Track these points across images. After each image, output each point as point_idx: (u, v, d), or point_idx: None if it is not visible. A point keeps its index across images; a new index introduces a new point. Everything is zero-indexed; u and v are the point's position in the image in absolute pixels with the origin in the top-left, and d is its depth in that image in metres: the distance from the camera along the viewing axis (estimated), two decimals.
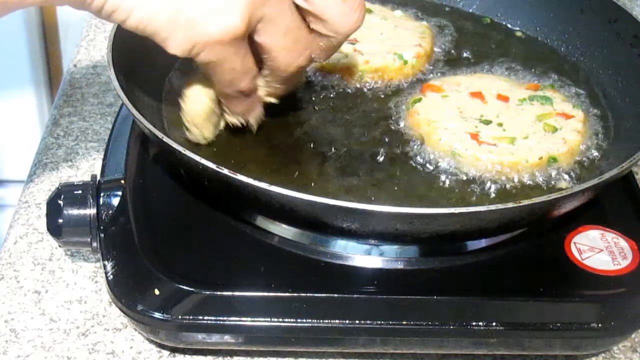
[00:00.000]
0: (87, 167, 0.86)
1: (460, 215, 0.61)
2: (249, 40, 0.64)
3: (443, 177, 0.71)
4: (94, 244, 0.69)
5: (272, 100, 0.70)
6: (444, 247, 0.69)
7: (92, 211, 0.68)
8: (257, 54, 0.66)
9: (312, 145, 0.74)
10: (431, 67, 0.85)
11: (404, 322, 0.64)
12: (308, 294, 0.64)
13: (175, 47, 0.62)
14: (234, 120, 0.71)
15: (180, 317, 0.64)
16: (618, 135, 0.77)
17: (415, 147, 0.74)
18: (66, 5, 0.61)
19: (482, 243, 0.69)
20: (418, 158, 0.73)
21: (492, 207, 0.61)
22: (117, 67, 0.71)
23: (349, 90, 0.81)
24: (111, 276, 0.66)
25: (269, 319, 0.64)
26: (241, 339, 0.65)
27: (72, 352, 0.68)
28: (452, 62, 0.86)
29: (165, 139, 0.65)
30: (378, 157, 0.73)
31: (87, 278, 0.74)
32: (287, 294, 0.64)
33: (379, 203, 0.62)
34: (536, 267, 0.68)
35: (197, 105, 0.71)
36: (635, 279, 0.67)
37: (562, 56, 0.88)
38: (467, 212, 0.61)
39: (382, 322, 0.64)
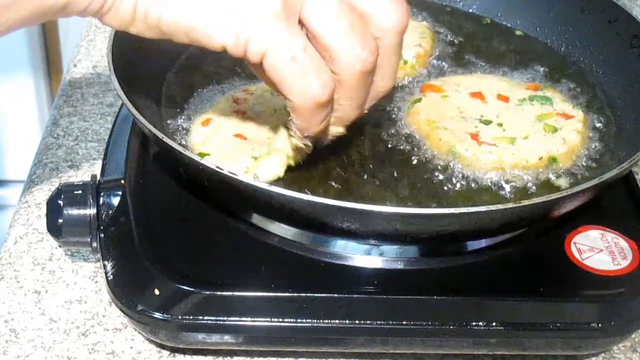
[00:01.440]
0: (87, 167, 0.86)
1: (460, 215, 0.61)
2: None
3: (443, 178, 0.71)
4: (94, 244, 0.69)
5: (340, 129, 0.64)
6: (444, 247, 0.69)
7: (92, 211, 0.68)
8: None
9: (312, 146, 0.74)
10: (431, 67, 0.85)
11: (404, 322, 0.64)
12: (308, 294, 0.64)
13: (220, 38, 0.57)
14: (299, 143, 0.65)
15: (180, 317, 0.64)
16: (618, 136, 0.77)
17: (415, 147, 0.74)
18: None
19: (482, 243, 0.69)
20: (418, 158, 0.73)
21: (492, 207, 0.61)
22: (117, 67, 0.71)
23: None
24: (111, 276, 0.66)
25: (269, 319, 0.64)
26: (241, 339, 0.65)
27: (72, 352, 0.68)
28: (452, 62, 0.86)
29: (165, 139, 0.65)
30: (378, 158, 0.73)
31: (87, 278, 0.74)
32: (287, 294, 0.64)
33: (379, 203, 0.62)
34: (536, 267, 0.68)
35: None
36: (635, 279, 0.67)
37: (562, 56, 0.88)
38: (467, 212, 0.61)
39: (382, 322, 0.64)
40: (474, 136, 0.74)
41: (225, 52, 0.59)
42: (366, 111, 0.65)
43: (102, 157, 0.77)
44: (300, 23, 0.58)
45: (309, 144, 0.64)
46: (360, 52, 0.58)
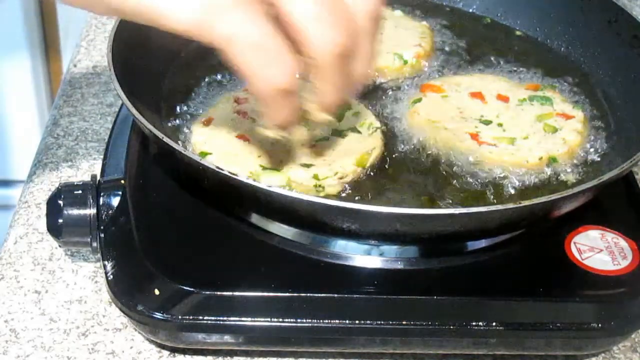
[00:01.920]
0: (87, 167, 0.86)
1: (460, 216, 0.61)
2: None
3: (443, 178, 0.71)
4: (94, 244, 0.69)
5: (327, 117, 0.62)
6: (444, 247, 0.69)
7: (92, 211, 0.68)
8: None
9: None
10: (431, 67, 0.85)
11: (404, 322, 0.64)
12: (308, 294, 0.64)
13: (181, 22, 0.56)
14: (270, 133, 0.64)
15: (180, 317, 0.64)
16: (618, 136, 0.77)
17: (415, 146, 0.74)
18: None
19: (482, 243, 0.69)
20: (418, 158, 0.73)
21: (492, 208, 0.61)
22: (117, 67, 0.71)
23: None
24: (111, 276, 0.66)
25: (269, 319, 0.64)
26: (241, 339, 0.65)
27: (72, 352, 0.68)
28: (452, 62, 0.86)
29: (166, 139, 0.65)
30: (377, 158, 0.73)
31: (87, 278, 0.74)
32: (287, 294, 0.64)
33: (379, 204, 0.62)
34: (536, 267, 0.68)
35: None
36: (635, 279, 0.67)
37: (562, 56, 0.88)
38: (467, 213, 0.61)
39: (382, 322, 0.64)
40: (474, 136, 0.74)
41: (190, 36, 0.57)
42: (350, 99, 0.64)
43: (102, 157, 0.77)
44: (273, 6, 0.57)
45: (286, 135, 0.63)
46: (334, 34, 0.57)
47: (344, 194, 0.69)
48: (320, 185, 0.68)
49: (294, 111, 0.60)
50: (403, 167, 0.72)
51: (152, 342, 0.69)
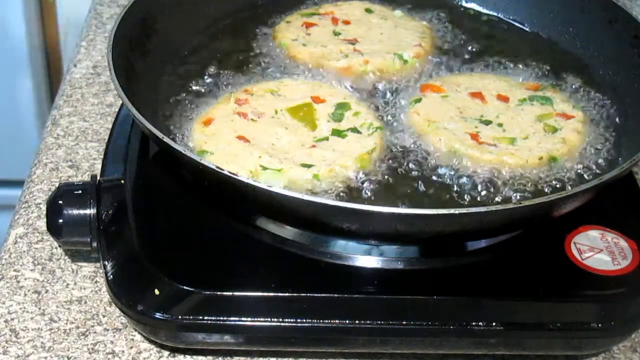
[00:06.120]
0: (87, 167, 0.86)
1: (460, 216, 0.61)
2: None
3: (443, 178, 0.71)
4: (94, 244, 0.69)
5: None
6: (444, 247, 0.69)
7: (92, 211, 0.68)
8: None
9: None
10: (431, 67, 0.85)
11: (404, 322, 0.64)
12: (308, 294, 0.64)
13: None
14: None
15: (180, 317, 0.64)
16: (618, 136, 0.77)
17: (415, 147, 0.74)
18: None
19: (482, 243, 0.69)
20: (418, 158, 0.73)
21: (492, 207, 0.61)
22: (117, 67, 0.71)
23: (348, 90, 0.81)
24: (111, 276, 0.66)
25: (269, 319, 0.64)
26: (241, 339, 0.65)
27: (72, 352, 0.68)
28: (451, 62, 0.86)
29: (166, 139, 0.65)
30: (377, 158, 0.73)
31: (87, 278, 0.74)
32: (287, 294, 0.64)
33: (379, 204, 0.62)
34: (536, 267, 0.68)
35: None
36: (635, 279, 0.67)
37: (563, 56, 0.88)
38: (467, 213, 0.61)
39: (382, 322, 0.64)
40: (474, 136, 0.74)
41: None
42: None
43: (102, 157, 0.77)
44: None
45: None
46: None
47: (344, 194, 0.69)
48: (319, 185, 0.68)
49: None
50: (403, 167, 0.72)
51: (152, 342, 0.69)
